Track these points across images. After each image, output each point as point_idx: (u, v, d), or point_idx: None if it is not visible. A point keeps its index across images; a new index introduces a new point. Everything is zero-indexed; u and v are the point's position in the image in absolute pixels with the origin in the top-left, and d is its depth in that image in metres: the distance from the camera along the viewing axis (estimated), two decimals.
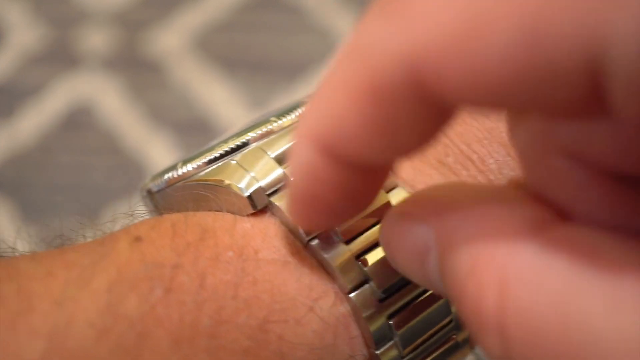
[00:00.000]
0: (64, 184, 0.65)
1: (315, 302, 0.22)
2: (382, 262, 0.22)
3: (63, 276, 0.20)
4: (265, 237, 0.22)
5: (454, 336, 0.24)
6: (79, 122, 0.68)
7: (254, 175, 0.23)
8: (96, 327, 0.20)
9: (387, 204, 0.23)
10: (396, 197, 0.23)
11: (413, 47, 0.15)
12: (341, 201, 0.19)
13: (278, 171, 0.23)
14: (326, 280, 0.22)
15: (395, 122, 0.16)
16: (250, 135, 0.24)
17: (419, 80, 0.15)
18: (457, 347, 0.25)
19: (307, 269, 0.22)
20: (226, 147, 0.24)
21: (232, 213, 0.23)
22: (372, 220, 0.23)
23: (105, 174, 0.65)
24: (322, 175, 0.18)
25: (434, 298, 0.23)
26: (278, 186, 0.23)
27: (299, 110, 0.25)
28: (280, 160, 0.23)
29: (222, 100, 0.68)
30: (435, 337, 0.24)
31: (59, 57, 0.71)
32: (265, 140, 0.24)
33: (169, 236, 0.22)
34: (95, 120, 0.68)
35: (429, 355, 0.24)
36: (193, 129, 0.67)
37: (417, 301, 0.23)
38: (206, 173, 0.24)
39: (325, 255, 0.22)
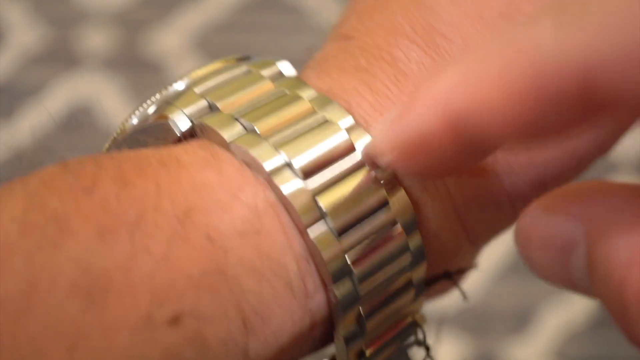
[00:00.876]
0: None
1: (239, 190, 0.22)
2: (339, 200, 0.23)
3: None
4: (187, 148, 0.23)
5: (408, 273, 0.24)
6: (79, 122, 0.68)
7: (178, 105, 0.24)
8: (19, 222, 0.20)
9: (349, 143, 0.23)
10: (355, 135, 0.24)
11: (589, 55, 0.17)
12: (442, 162, 0.20)
13: (203, 102, 0.24)
14: (249, 172, 0.22)
15: (547, 117, 0.18)
16: (180, 82, 0.26)
17: (589, 84, 0.17)
18: (410, 285, 0.25)
19: (228, 165, 0.23)
20: (158, 95, 0.25)
21: None
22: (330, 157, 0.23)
23: None
24: (434, 140, 0.19)
25: (391, 236, 0.23)
26: (202, 114, 0.24)
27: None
28: (204, 95, 0.25)
29: None
30: (392, 272, 0.24)
31: (59, 57, 0.71)
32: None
33: (93, 156, 0.22)
34: (95, 120, 0.68)
35: (384, 290, 0.24)
36: None
37: (374, 237, 0.23)
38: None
39: (251, 152, 0.22)
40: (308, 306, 0.23)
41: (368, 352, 0.24)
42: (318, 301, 0.23)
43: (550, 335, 0.56)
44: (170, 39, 0.72)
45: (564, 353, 0.56)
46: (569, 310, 0.57)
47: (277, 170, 0.22)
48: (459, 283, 0.27)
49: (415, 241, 0.24)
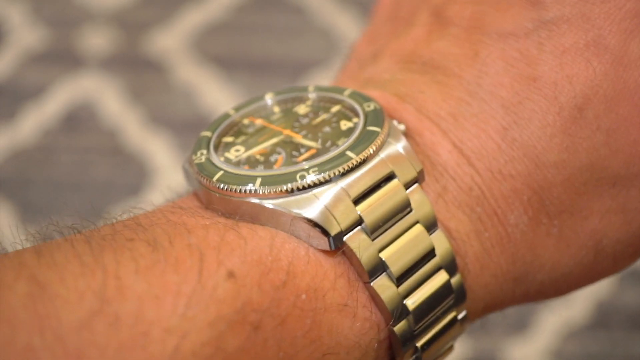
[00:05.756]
0: (65, 183, 0.65)
1: (360, 337, 0.26)
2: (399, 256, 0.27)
3: None
4: (333, 280, 0.26)
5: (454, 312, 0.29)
6: (80, 121, 0.68)
7: (337, 217, 0.26)
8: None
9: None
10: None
11: None
12: None
13: (355, 215, 0.26)
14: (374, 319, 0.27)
15: None
16: (331, 173, 0.27)
17: None
18: (455, 321, 0.29)
19: (361, 310, 0.27)
20: (309, 181, 0.27)
21: (299, 238, 0.26)
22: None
23: (107, 173, 0.65)
24: None
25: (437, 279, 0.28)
26: (353, 228, 0.26)
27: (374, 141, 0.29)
28: (357, 201, 0.27)
29: (223, 100, 0.69)
30: (439, 312, 0.28)
31: (60, 57, 0.71)
32: (347, 181, 0.27)
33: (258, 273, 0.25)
34: (96, 120, 0.68)
35: (434, 326, 0.28)
36: (194, 129, 0.67)
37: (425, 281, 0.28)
38: (286, 201, 0.26)
39: (382, 296, 0.27)
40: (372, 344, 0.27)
41: None
42: (381, 340, 0.27)
43: (549, 335, 0.56)
44: (170, 39, 0.72)
45: (563, 352, 0.56)
46: (569, 310, 0.57)
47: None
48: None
49: (456, 281, 0.28)
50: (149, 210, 0.27)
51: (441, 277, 0.28)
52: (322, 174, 0.26)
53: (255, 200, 0.26)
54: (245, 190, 0.26)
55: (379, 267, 0.27)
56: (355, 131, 0.28)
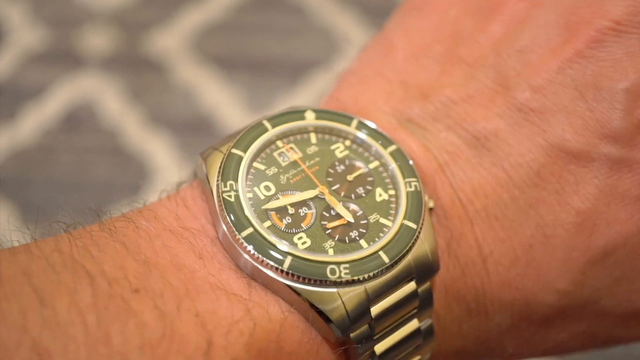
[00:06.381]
0: (65, 183, 0.65)
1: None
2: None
3: None
4: None
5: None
6: (80, 121, 0.68)
7: (351, 317, 0.27)
8: None
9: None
10: None
11: None
12: None
13: (368, 313, 0.28)
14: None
15: None
16: (361, 277, 0.27)
17: None
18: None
19: None
20: (337, 279, 0.27)
21: (307, 320, 0.28)
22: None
23: (107, 173, 0.65)
24: None
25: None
26: (361, 321, 0.28)
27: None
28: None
29: (223, 100, 0.69)
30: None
31: (60, 57, 0.71)
32: (372, 283, 0.27)
33: None
34: (96, 120, 0.68)
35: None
36: (194, 129, 0.67)
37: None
38: (310, 291, 0.27)
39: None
40: None
41: None
42: None
43: None
44: (170, 39, 0.72)
45: None
46: None
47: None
48: None
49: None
50: (152, 223, 0.27)
51: (417, 358, 0.29)
52: (353, 275, 0.27)
53: (278, 278, 0.26)
54: (271, 266, 0.26)
55: (371, 352, 0.28)
56: (392, 221, 0.28)
